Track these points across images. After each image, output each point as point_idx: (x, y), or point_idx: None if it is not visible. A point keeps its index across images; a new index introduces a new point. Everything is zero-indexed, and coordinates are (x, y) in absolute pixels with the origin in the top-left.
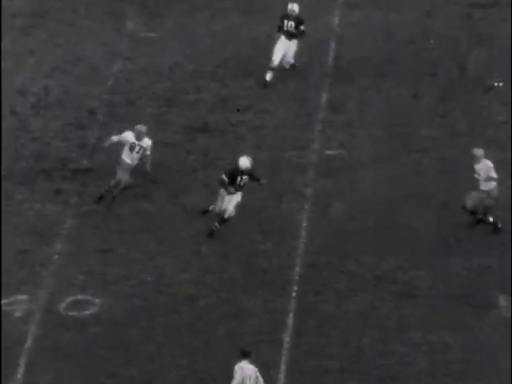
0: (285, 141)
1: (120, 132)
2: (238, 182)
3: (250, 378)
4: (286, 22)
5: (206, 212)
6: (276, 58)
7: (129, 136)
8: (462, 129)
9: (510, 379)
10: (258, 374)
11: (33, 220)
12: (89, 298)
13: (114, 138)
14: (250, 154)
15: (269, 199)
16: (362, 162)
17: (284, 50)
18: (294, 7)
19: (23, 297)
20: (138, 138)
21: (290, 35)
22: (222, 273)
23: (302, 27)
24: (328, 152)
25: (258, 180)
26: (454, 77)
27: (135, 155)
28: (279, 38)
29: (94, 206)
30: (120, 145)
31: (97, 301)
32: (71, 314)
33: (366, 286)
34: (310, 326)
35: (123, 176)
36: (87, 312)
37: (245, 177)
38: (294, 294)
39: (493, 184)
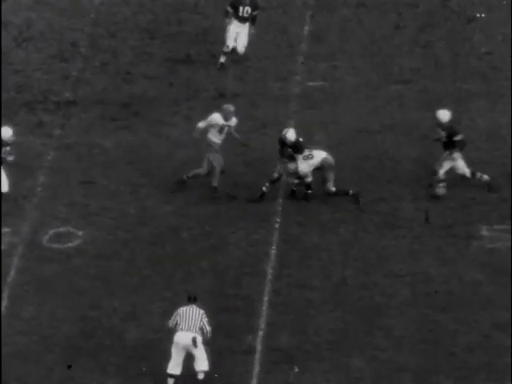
0: (267, 72)
1: (101, 66)
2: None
3: (189, 319)
4: (241, 7)
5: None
6: (230, 44)
7: (217, 118)
8: (444, 60)
9: (492, 309)
10: (204, 317)
11: (15, 152)
12: (71, 230)
13: (202, 125)
14: (232, 86)
15: (252, 131)
16: (344, 93)
17: (236, 33)
18: None
19: (6, 230)
20: (226, 118)
21: (244, 20)
22: (206, 205)
23: (256, 12)
24: (310, 83)
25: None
26: (436, 7)
27: (223, 136)
28: (230, 23)
29: (77, 138)
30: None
31: (80, 233)
32: (54, 246)
33: (348, 217)
34: (293, 258)
35: (217, 158)
36: (70, 244)
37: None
38: (276, 226)
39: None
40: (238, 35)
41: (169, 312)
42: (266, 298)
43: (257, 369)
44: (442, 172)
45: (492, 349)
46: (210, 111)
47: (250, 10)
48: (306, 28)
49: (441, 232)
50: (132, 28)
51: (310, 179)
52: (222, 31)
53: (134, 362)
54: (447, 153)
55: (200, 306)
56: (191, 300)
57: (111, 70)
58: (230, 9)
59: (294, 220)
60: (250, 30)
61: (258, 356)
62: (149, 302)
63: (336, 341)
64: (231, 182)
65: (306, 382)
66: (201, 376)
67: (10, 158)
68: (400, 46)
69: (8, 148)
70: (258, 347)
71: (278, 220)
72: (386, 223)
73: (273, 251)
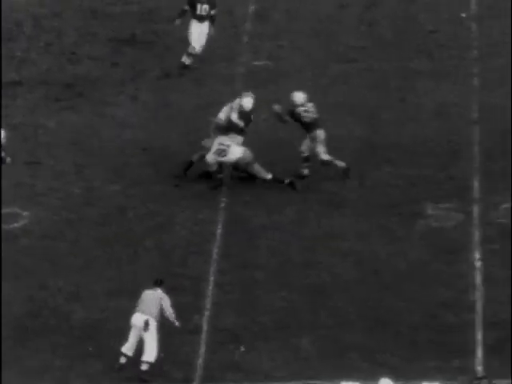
0: (212, 52)
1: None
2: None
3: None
4: (199, 5)
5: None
6: (197, 44)
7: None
8: (389, 38)
9: (437, 287)
10: (165, 300)
11: None
12: (17, 210)
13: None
14: (177, 66)
15: (197, 109)
16: (289, 72)
17: (198, 33)
18: None
19: None
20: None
21: (203, 18)
22: (151, 184)
23: (214, 11)
24: (255, 63)
25: None
26: None
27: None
28: (190, 22)
29: (22, 119)
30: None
31: (25, 213)
32: None
33: (295, 196)
34: (239, 237)
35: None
36: (16, 224)
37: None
38: (222, 205)
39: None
40: (199, 35)
41: (114, 292)
42: (212, 278)
43: (203, 348)
44: (323, 156)
45: (438, 327)
46: (155, 91)
47: (208, 8)
48: (251, 7)
49: (386, 210)
50: (76, 8)
51: (213, 168)
52: (167, 10)
53: (81, 342)
54: (311, 134)
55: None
56: (157, 283)
57: (55, 50)
58: (187, 7)
59: (240, 200)
60: (209, 30)
61: (204, 336)
62: (94, 282)
63: (282, 320)
64: (177, 162)
65: (252, 361)
66: (144, 366)
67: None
68: (345, 24)
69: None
70: (204, 327)
71: (224, 199)
72: (332, 202)
73: (219, 231)
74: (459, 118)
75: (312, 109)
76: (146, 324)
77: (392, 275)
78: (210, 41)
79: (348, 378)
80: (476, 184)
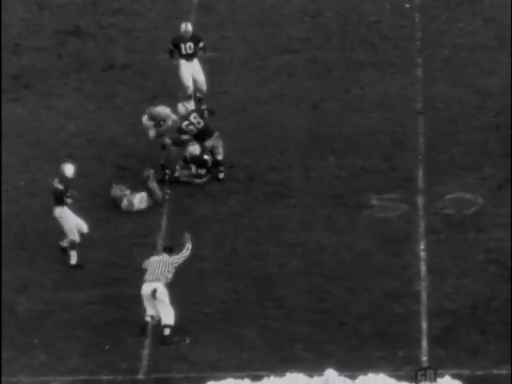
0: (156, 43)
1: None
2: None
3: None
4: (182, 45)
5: None
6: (190, 84)
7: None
8: (333, 29)
9: (382, 278)
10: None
11: None
12: None
13: None
14: (121, 57)
15: (141, 101)
16: (233, 63)
17: (191, 73)
18: (188, 27)
19: None
20: None
21: (190, 56)
22: (96, 176)
23: (202, 43)
24: (200, 54)
25: None
26: None
27: None
28: (178, 63)
29: None
30: None
31: None
32: None
33: (238, 187)
34: (184, 229)
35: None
36: None
37: None
38: (167, 197)
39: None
40: (193, 73)
41: (60, 284)
42: None
43: (148, 340)
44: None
45: (383, 317)
46: (99, 82)
47: (192, 46)
48: None
49: (331, 201)
50: None
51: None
52: (111, 2)
53: (26, 335)
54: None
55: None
56: (165, 250)
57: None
58: (171, 47)
59: (183, 191)
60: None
61: (149, 327)
62: (41, 274)
63: (228, 311)
64: (121, 153)
65: (197, 352)
66: (166, 331)
67: None
68: (289, 15)
69: None
70: (150, 318)
71: (168, 191)
72: (277, 193)
73: (163, 222)
74: (403, 109)
75: (195, 119)
76: (154, 292)
77: (337, 266)
78: (154, 31)
79: (294, 368)
80: (420, 174)
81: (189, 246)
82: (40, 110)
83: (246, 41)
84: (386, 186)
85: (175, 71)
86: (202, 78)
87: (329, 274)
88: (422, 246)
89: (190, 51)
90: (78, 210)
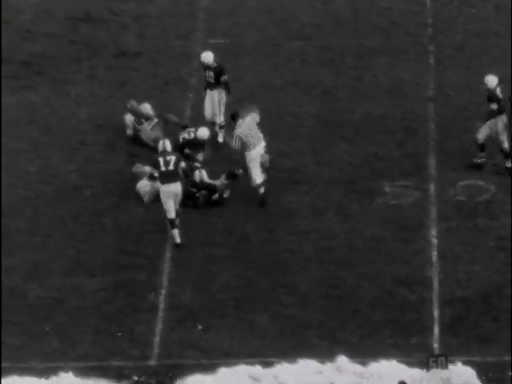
0: (168, 30)
1: None
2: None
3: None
4: (206, 72)
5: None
6: (207, 112)
7: None
8: (345, 16)
9: (394, 265)
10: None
11: None
12: None
13: None
14: (133, 44)
15: (153, 88)
16: (245, 50)
17: (211, 102)
18: (208, 56)
19: None
20: None
21: (210, 86)
22: (107, 162)
23: (224, 78)
24: (211, 41)
25: None
26: None
27: None
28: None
29: None
30: None
31: None
32: None
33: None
34: (195, 215)
35: None
36: None
37: None
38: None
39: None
40: (213, 105)
41: (71, 270)
42: (168, 256)
43: (160, 326)
44: None
45: (395, 304)
46: (111, 69)
47: (213, 75)
48: None
49: (343, 188)
50: None
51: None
52: None
53: (37, 321)
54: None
55: None
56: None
57: (11, 28)
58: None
59: None
60: (224, 97)
61: (161, 314)
62: (51, 261)
63: (240, 298)
64: (132, 140)
65: (209, 339)
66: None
67: None
68: (300, 1)
69: None
70: (161, 305)
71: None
72: (289, 179)
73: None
74: (415, 96)
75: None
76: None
77: (349, 253)
78: (166, 17)
79: (305, 355)
80: (432, 161)
81: None
82: (51, 96)
83: (257, 27)
84: (398, 172)
85: (187, 57)
86: (219, 110)
87: (341, 260)
88: (433, 233)
89: (210, 80)
90: (89, 196)
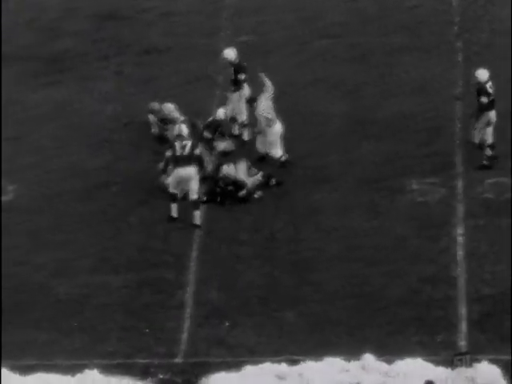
0: (195, 27)
1: None
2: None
3: None
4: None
5: None
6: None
7: None
8: (371, 14)
9: (420, 263)
10: None
11: None
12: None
13: None
14: (159, 41)
15: (179, 86)
16: (272, 48)
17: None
18: (229, 53)
19: None
20: None
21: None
22: (133, 160)
23: (240, 75)
24: (238, 39)
25: None
26: None
27: None
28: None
29: (4, 94)
30: None
31: (9, 188)
32: None
33: (278, 171)
34: (222, 212)
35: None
36: None
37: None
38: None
39: None
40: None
41: (97, 267)
42: (194, 253)
43: (187, 324)
44: None
45: (421, 302)
46: (138, 66)
47: (233, 73)
48: None
49: (370, 186)
50: None
51: None
52: None
53: (65, 317)
54: None
55: None
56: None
57: (38, 25)
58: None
59: None
60: (245, 95)
61: (188, 311)
62: (77, 258)
63: (266, 296)
64: (158, 139)
65: (235, 337)
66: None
67: None
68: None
69: None
70: (188, 302)
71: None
72: (316, 177)
73: (201, 206)
74: (441, 94)
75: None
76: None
77: (375, 251)
78: (192, 15)
79: (331, 353)
80: (459, 159)
81: None
82: (78, 93)
83: (285, 25)
84: (425, 170)
85: (214, 55)
86: (238, 108)
87: (367, 258)
88: (460, 231)
89: (231, 77)
90: (115, 193)
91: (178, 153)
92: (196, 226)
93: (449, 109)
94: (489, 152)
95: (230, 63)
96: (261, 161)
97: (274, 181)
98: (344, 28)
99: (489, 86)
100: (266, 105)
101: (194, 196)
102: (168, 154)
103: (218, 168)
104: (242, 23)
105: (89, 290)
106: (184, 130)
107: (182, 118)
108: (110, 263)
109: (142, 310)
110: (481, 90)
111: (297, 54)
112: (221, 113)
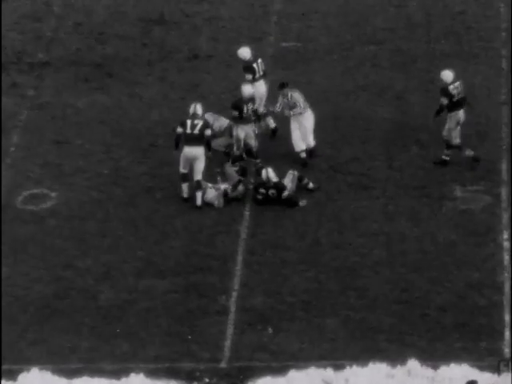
0: (241, 32)
1: None
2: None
3: None
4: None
5: None
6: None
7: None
8: (417, 20)
9: (464, 269)
10: None
11: None
12: (45, 191)
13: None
14: (206, 47)
15: (225, 92)
16: (317, 53)
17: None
18: (242, 52)
19: None
20: None
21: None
22: (179, 165)
23: (248, 76)
24: (284, 44)
25: None
26: None
27: None
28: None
29: (51, 99)
30: None
31: (53, 194)
32: (28, 207)
33: (322, 177)
34: (267, 218)
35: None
36: (44, 205)
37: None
38: (251, 186)
39: None
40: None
41: (142, 272)
42: (239, 258)
43: (231, 329)
44: None
45: (466, 308)
46: (183, 72)
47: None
48: None
49: (414, 192)
50: None
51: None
52: None
53: (108, 323)
54: None
55: None
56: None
57: (84, 30)
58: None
59: None
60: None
61: (231, 316)
62: (122, 263)
63: (310, 301)
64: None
65: (279, 342)
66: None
67: None
68: (373, 5)
69: None
70: (232, 308)
71: (252, 181)
72: (360, 183)
73: (247, 211)
74: (487, 100)
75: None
76: None
77: (420, 257)
78: (239, 20)
79: (376, 359)
80: (504, 166)
81: None
82: (123, 98)
83: (330, 31)
84: (470, 177)
85: None
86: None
87: (411, 264)
88: (505, 237)
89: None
90: (160, 199)
91: (189, 131)
92: (197, 207)
93: (494, 115)
94: (448, 152)
95: (242, 62)
96: (304, 166)
97: (307, 181)
98: (390, 34)
99: (452, 87)
100: (296, 95)
101: (198, 177)
102: (179, 130)
103: (258, 172)
104: (288, 28)
105: (134, 294)
106: (199, 109)
107: (228, 122)
108: (156, 268)
109: (187, 314)
110: (443, 91)
111: (342, 60)
112: (247, 89)
